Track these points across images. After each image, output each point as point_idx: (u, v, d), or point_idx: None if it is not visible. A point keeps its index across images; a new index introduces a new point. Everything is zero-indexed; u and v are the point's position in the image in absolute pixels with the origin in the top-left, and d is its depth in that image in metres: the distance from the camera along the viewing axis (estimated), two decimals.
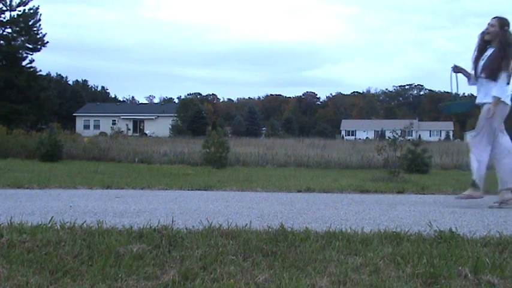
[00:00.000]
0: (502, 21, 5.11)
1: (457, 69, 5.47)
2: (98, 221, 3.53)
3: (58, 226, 3.36)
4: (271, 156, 15.06)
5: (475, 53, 5.26)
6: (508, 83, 5.08)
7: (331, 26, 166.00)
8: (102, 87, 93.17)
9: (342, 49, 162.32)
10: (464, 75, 5.44)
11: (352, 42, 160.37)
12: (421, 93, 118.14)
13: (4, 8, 38.42)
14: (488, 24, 5.16)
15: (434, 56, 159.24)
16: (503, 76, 5.01)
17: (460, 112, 5.44)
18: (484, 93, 5.14)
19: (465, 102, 5.58)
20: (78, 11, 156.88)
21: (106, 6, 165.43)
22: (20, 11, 38.86)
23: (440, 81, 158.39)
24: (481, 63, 5.17)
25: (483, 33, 5.21)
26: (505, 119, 5.15)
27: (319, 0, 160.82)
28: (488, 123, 5.05)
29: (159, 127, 60.32)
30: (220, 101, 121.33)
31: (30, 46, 39.54)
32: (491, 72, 5.06)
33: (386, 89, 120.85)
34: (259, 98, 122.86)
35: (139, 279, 2.38)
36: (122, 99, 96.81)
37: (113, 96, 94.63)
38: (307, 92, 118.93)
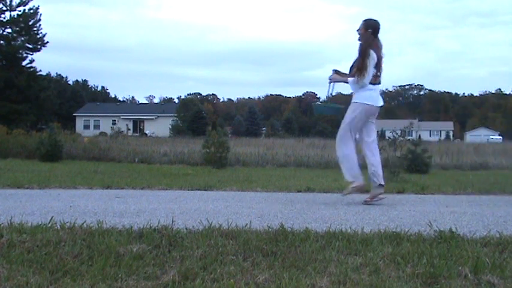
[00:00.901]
0: (366, 23, 5.25)
1: (337, 74, 5.50)
2: (98, 221, 3.53)
3: (58, 226, 3.36)
4: (271, 156, 15.05)
5: None
6: (374, 84, 5.21)
7: (332, 25, 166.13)
8: (102, 87, 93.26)
9: (343, 49, 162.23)
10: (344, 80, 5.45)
11: (354, 42, 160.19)
12: (421, 93, 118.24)
13: (4, 8, 38.44)
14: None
15: (436, 55, 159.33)
16: (363, 77, 5.12)
17: (328, 114, 5.46)
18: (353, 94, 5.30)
19: (333, 106, 5.61)
20: (79, 11, 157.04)
21: (107, 6, 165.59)
22: (20, 11, 38.91)
23: (441, 81, 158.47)
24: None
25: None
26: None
27: (320, 0, 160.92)
28: (353, 121, 5.20)
29: (159, 127, 60.30)
30: (220, 101, 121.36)
31: (30, 46, 39.54)
32: (352, 73, 5.24)
33: (387, 89, 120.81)
34: (259, 98, 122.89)
35: (139, 279, 2.38)
36: (122, 99, 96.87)
37: (113, 96, 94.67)
38: (307, 92, 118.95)
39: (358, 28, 5.28)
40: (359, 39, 5.26)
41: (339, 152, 5.29)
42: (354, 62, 5.29)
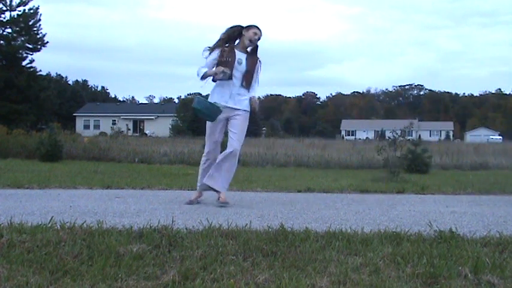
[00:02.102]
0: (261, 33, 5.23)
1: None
2: (98, 221, 3.53)
3: (58, 226, 3.36)
4: (271, 156, 15.04)
5: (229, 59, 5.11)
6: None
7: (333, 25, 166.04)
8: (102, 87, 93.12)
9: (344, 49, 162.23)
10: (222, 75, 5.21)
11: (355, 42, 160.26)
12: (421, 93, 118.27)
13: (4, 8, 38.38)
14: (254, 32, 5.14)
15: (437, 55, 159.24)
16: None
17: (206, 112, 5.20)
18: (238, 99, 5.27)
19: (216, 107, 5.19)
20: (79, 10, 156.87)
21: (108, 6, 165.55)
22: (20, 11, 38.83)
23: (442, 81, 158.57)
24: (238, 71, 5.15)
25: (249, 41, 5.16)
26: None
27: (322, 0, 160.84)
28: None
29: (159, 127, 60.28)
30: None
31: (30, 46, 39.48)
32: (250, 83, 5.33)
33: (386, 89, 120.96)
34: (259, 98, 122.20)
35: (139, 279, 2.38)
36: (122, 99, 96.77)
37: (113, 96, 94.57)
38: (307, 92, 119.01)
39: (260, 32, 5.18)
40: (252, 40, 5.15)
41: (234, 167, 5.29)
42: (247, 71, 5.19)
